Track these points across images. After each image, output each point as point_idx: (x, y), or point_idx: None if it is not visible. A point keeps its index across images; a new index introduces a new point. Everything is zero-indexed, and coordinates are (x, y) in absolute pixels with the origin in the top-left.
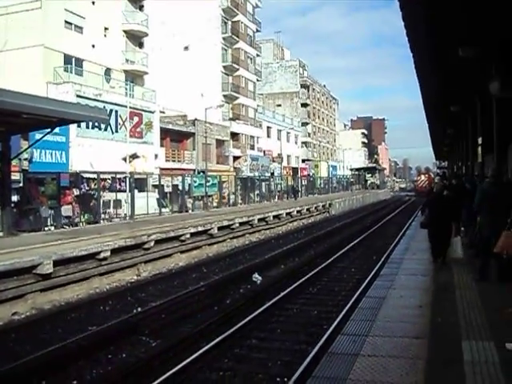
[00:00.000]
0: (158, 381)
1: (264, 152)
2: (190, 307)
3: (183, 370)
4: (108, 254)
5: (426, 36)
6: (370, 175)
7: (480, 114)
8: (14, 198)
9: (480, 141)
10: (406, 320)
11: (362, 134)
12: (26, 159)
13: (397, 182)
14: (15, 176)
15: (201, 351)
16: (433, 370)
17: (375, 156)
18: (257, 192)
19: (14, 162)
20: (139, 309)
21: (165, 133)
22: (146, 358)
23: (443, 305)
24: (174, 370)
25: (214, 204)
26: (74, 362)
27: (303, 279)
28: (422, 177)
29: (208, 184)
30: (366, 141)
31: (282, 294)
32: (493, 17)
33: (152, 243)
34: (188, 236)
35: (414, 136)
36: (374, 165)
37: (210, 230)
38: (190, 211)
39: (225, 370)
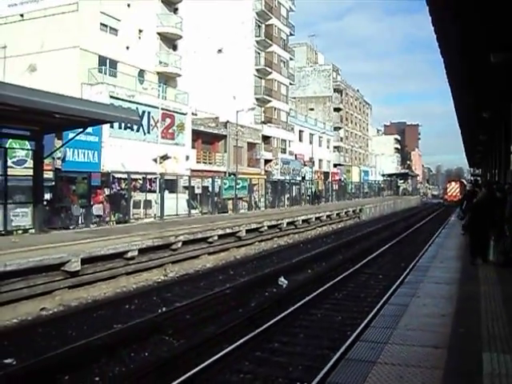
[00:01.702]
0: (178, 381)
1: (295, 156)
2: (215, 309)
3: (204, 371)
4: (136, 253)
5: (457, 41)
6: (402, 181)
7: None
8: (47, 196)
9: None
10: (426, 329)
11: (395, 139)
12: (59, 158)
13: (429, 188)
14: (48, 174)
15: (222, 353)
16: (450, 381)
17: (408, 162)
18: (287, 196)
19: (47, 161)
20: (164, 309)
21: (196, 135)
22: (168, 357)
23: (467, 315)
24: (194, 371)
25: (244, 206)
26: (97, 358)
27: (329, 284)
28: (453, 184)
29: (238, 186)
30: (398, 146)
31: (307, 298)
32: None
33: (180, 244)
34: (216, 238)
35: (448, 142)
36: (407, 171)
37: (238, 232)
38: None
39: (245, 372)
